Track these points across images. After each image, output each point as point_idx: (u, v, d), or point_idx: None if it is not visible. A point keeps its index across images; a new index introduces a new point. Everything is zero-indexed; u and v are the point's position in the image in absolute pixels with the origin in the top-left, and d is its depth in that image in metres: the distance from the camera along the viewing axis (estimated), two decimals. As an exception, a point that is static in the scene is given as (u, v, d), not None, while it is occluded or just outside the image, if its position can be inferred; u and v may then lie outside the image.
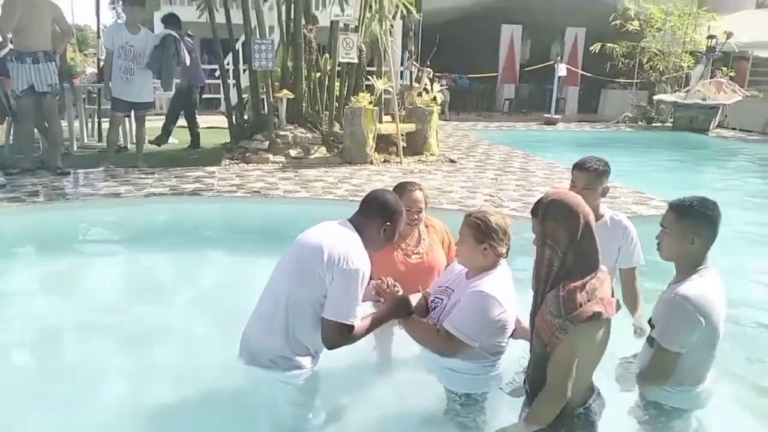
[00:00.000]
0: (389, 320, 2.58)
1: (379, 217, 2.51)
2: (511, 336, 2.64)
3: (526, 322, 2.68)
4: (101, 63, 9.89)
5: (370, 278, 2.66)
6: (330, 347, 2.47)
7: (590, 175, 3.11)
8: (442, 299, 2.64)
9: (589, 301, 2.05)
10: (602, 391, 2.31)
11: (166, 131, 9.36)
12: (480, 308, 2.43)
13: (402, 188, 3.08)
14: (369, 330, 2.50)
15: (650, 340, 2.44)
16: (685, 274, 2.39)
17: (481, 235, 2.49)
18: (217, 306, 4.26)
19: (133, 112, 7.97)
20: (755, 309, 4.47)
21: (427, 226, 3.30)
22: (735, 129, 14.99)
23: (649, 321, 2.53)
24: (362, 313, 2.47)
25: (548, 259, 2.11)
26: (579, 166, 3.16)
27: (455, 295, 2.58)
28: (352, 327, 2.39)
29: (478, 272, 2.54)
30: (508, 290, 2.55)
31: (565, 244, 2.08)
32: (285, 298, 2.44)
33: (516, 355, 2.95)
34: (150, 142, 8.66)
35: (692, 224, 2.36)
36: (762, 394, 3.38)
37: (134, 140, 8.34)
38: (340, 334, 2.40)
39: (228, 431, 2.95)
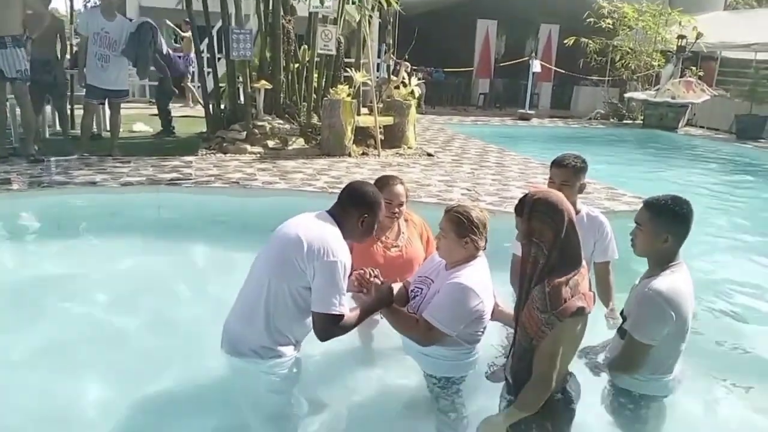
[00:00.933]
0: (377, 310, 2.63)
1: (358, 209, 2.54)
2: (492, 318, 2.73)
3: (504, 306, 2.78)
4: (74, 49, 9.69)
5: (352, 269, 2.70)
6: (323, 339, 2.50)
7: (568, 171, 3.19)
8: (422, 289, 2.71)
9: (573, 296, 2.13)
10: (578, 374, 2.42)
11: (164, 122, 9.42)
12: (458, 299, 2.50)
13: (383, 182, 3.13)
14: (359, 320, 2.54)
15: (621, 332, 2.53)
16: (657, 270, 2.47)
17: (463, 230, 2.55)
18: (197, 298, 4.27)
19: (107, 99, 7.85)
20: (720, 302, 4.66)
21: (406, 220, 3.35)
22: (703, 127, 15.36)
23: (621, 313, 2.62)
24: (348, 303, 2.51)
25: (534, 256, 2.18)
26: (557, 163, 3.23)
27: (435, 285, 2.65)
28: (341, 316, 2.44)
29: (457, 264, 2.60)
30: (486, 281, 2.62)
31: (551, 241, 2.14)
32: (265, 290, 2.47)
33: (495, 342, 3.05)
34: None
35: (666, 222, 2.43)
36: (728, 384, 3.54)
37: (108, 128, 8.21)
38: (331, 325, 2.43)
39: (210, 421, 2.98)
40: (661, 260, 2.48)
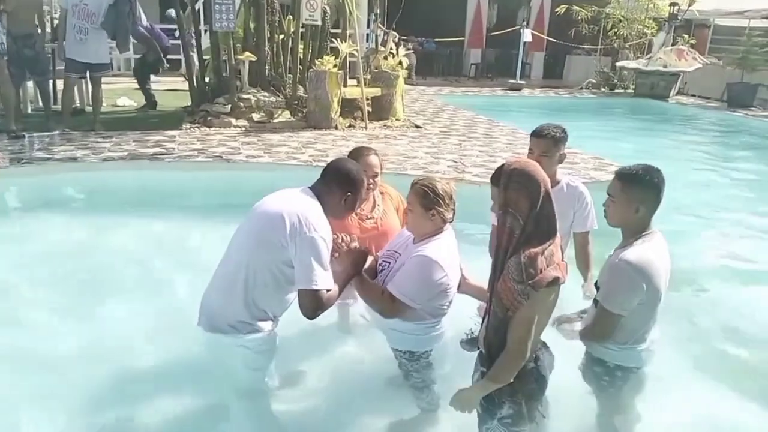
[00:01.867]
0: (354, 275, 2.61)
1: (342, 187, 2.51)
2: (459, 291, 2.72)
3: (471, 279, 2.77)
4: (55, 22, 9.48)
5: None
6: (311, 316, 2.46)
7: (548, 142, 3.15)
8: (389, 263, 2.70)
9: (548, 266, 2.12)
10: (551, 349, 2.41)
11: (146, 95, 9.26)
12: (422, 272, 2.49)
13: (357, 153, 3.10)
14: (341, 290, 2.53)
15: (596, 302, 2.53)
16: (630, 240, 2.47)
17: (429, 202, 2.53)
18: (175, 273, 4.26)
19: (88, 73, 7.70)
20: (700, 271, 4.67)
21: (382, 193, 3.33)
22: (694, 96, 15.29)
23: (596, 284, 2.62)
24: (332, 278, 2.48)
25: (509, 226, 2.15)
26: (536, 134, 3.19)
27: (401, 259, 2.64)
28: (326, 292, 2.41)
29: (424, 237, 2.59)
30: (452, 255, 2.62)
31: (526, 212, 2.12)
32: (245, 265, 2.43)
33: (469, 314, 3.04)
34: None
35: (638, 192, 2.42)
36: (700, 354, 3.58)
37: (90, 102, 8.09)
38: (317, 301, 2.40)
39: (188, 397, 3.01)
40: (634, 230, 2.47)
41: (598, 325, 2.48)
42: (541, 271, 2.10)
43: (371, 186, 3.11)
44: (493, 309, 2.27)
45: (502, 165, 2.25)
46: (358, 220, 3.15)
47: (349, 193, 2.51)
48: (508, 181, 2.15)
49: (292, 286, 2.45)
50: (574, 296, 2.97)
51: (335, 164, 2.60)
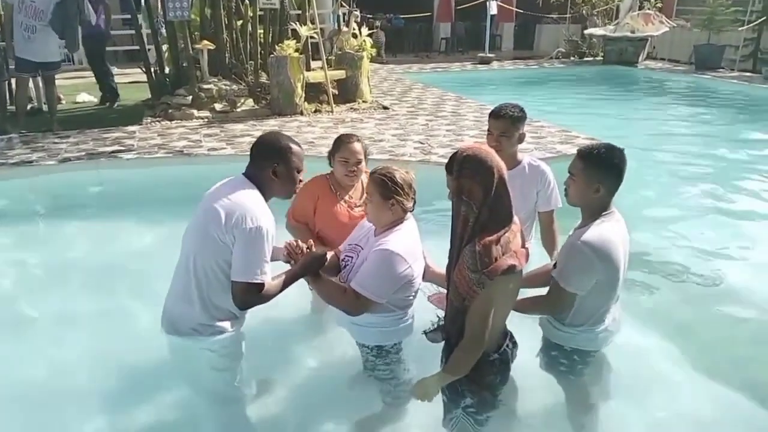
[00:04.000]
0: (302, 276, 2.52)
1: (267, 160, 2.41)
2: (424, 279, 2.66)
3: (435, 267, 2.71)
4: (2, 18, 9.14)
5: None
6: (242, 308, 2.42)
7: (506, 122, 3.10)
8: (351, 257, 2.64)
9: (504, 254, 2.08)
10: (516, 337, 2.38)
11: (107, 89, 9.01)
12: (385, 266, 2.43)
13: (340, 141, 3.07)
14: (283, 287, 2.45)
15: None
16: (589, 220, 2.43)
17: (388, 192, 2.46)
18: (136, 277, 4.14)
19: (40, 72, 7.44)
20: (664, 248, 4.65)
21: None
22: (663, 60, 15.31)
23: (554, 264, 2.58)
24: (270, 272, 2.40)
25: (464, 214, 2.12)
26: (494, 114, 3.14)
27: (363, 253, 2.58)
28: (261, 285, 2.34)
29: (385, 228, 2.52)
30: (415, 244, 2.56)
31: (480, 199, 2.08)
32: (193, 266, 2.38)
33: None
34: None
35: (598, 172, 2.38)
36: (660, 334, 3.57)
37: (46, 102, 7.83)
38: (249, 294, 2.34)
39: (153, 403, 2.96)
40: (594, 210, 2.43)
41: (549, 298, 2.47)
42: (496, 260, 2.07)
43: (355, 173, 3.07)
44: (450, 298, 2.24)
45: (455, 152, 2.20)
46: (347, 209, 3.12)
47: (276, 164, 2.40)
48: (461, 169, 2.12)
49: None
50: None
51: (257, 140, 2.51)
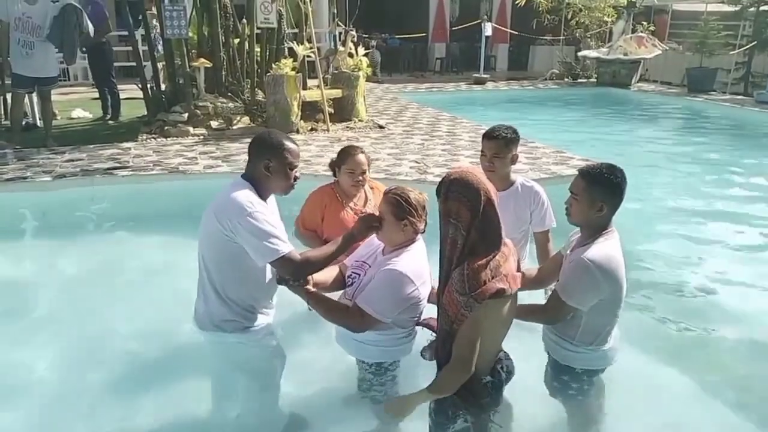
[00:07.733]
0: (358, 239, 2.60)
1: (260, 157, 2.48)
2: (429, 301, 2.66)
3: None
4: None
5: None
6: (297, 278, 2.46)
7: (499, 143, 3.12)
8: (358, 275, 2.64)
9: (493, 278, 2.08)
10: (515, 358, 2.37)
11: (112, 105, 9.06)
12: (393, 286, 2.43)
13: (346, 152, 3.30)
14: (337, 251, 2.51)
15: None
16: (590, 238, 2.46)
17: (401, 212, 2.47)
18: (129, 292, 4.14)
19: (36, 87, 7.45)
20: (659, 267, 4.67)
21: (372, 188, 3.47)
22: (656, 82, 15.47)
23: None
24: (285, 237, 2.45)
25: (452, 236, 2.12)
26: (487, 136, 3.17)
27: (371, 271, 2.58)
28: (289, 253, 2.39)
29: (395, 248, 2.53)
30: (423, 266, 2.55)
31: (468, 221, 2.09)
32: (204, 265, 2.52)
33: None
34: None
35: (601, 192, 2.41)
36: (657, 352, 3.58)
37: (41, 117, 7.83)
38: (287, 266, 2.41)
39: (180, 398, 3.08)
40: (596, 228, 2.47)
41: (549, 309, 2.50)
42: (485, 283, 2.06)
43: (361, 182, 3.31)
44: (440, 321, 2.23)
45: (444, 176, 2.22)
46: (353, 215, 3.29)
47: (269, 160, 2.47)
48: (448, 191, 2.13)
49: (248, 265, 2.45)
50: (537, 297, 2.93)
51: (252, 138, 2.62)
